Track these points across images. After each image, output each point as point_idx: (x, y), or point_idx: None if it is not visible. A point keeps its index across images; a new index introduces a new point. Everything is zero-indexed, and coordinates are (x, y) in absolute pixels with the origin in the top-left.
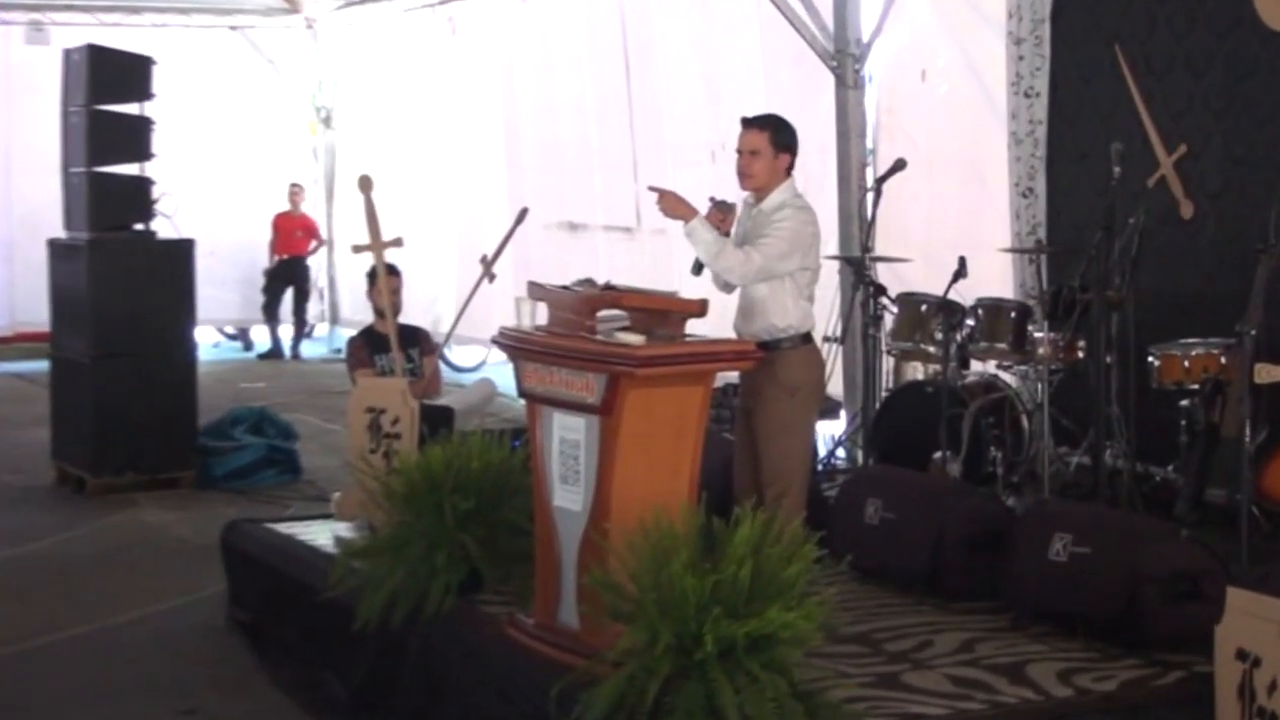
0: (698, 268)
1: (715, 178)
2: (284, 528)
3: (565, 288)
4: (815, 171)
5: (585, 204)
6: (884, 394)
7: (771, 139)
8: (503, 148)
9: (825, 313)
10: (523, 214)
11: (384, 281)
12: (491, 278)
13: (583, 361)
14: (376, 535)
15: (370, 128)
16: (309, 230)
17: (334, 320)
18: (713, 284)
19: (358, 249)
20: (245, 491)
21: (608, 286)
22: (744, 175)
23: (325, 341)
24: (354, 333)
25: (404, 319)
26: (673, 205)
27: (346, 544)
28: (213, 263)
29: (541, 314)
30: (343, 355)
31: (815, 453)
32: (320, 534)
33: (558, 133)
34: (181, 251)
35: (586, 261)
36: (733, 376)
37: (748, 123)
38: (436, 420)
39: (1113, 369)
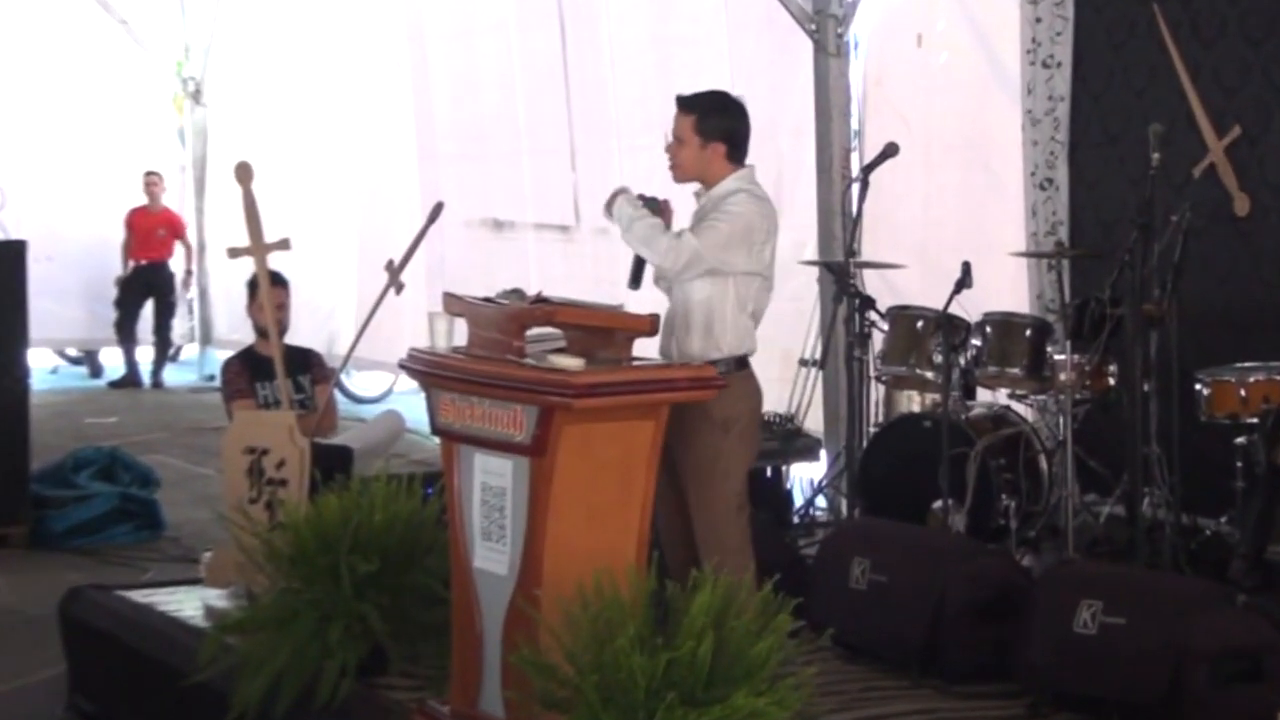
0: (635, 278)
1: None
2: (141, 596)
3: (489, 300)
4: (790, 157)
5: (513, 197)
6: (872, 429)
7: (696, 125)
8: (412, 129)
9: (802, 331)
10: (437, 210)
11: (267, 293)
12: (399, 288)
13: (509, 391)
14: (256, 605)
15: (250, 104)
16: (173, 229)
17: (205, 340)
18: (660, 291)
19: (235, 253)
20: (92, 551)
21: (539, 299)
22: (670, 166)
23: (194, 366)
24: (231, 355)
25: (292, 338)
26: (611, 199)
27: (219, 616)
28: (52, 270)
29: (460, 332)
30: (216, 383)
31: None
32: (187, 603)
33: (479, 111)
34: (10, 256)
35: (515, 268)
36: None
37: (678, 102)
38: (332, 462)
39: (1151, 399)
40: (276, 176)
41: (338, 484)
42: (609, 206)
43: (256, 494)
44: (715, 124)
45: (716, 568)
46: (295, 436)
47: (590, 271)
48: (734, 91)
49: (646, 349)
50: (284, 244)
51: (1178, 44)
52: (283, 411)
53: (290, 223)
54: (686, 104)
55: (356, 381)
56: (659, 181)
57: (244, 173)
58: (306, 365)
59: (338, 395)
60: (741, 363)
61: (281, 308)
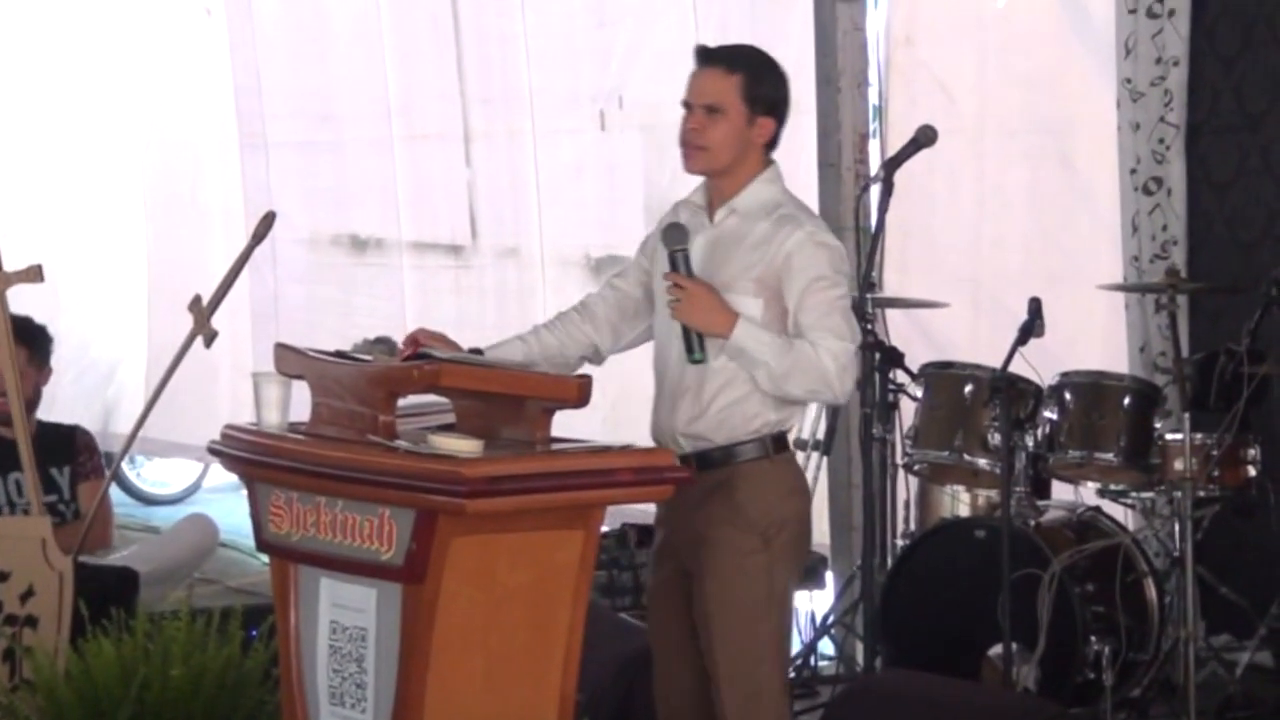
0: (698, 343)
1: (606, 155)
2: None
3: (343, 355)
4: (781, 146)
5: (380, 205)
6: (901, 542)
7: (744, 88)
8: (230, 106)
9: None
10: (266, 222)
11: (5, 349)
12: (210, 337)
13: (373, 487)
14: None
15: None
16: None
17: None
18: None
19: None
20: None
21: (418, 354)
22: (691, 147)
23: None
24: None
25: (47, 413)
26: (700, 303)
27: None
28: None
29: (302, 401)
30: None
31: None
32: None
33: (328, 79)
34: None
35: (382, 307)
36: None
37: (707, 56)
38: (106, 592)
39: None
40: (22, 176)
41: (115, 623)
42: (689, 314)
43: None
44: (768, 90)
45: (743, 701)
46: (50, 554)
47: (493, 312)
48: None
49: (576, 425)
50: (32, 274)
51: None
52: (31, 518)
53: (46, 245)
54: (727, 58)
55: (147, 473)
56: (593, 181)
57: None
58: (68, 452)
59: (117, 493)
60: (780, 443)
61: (36, 372)
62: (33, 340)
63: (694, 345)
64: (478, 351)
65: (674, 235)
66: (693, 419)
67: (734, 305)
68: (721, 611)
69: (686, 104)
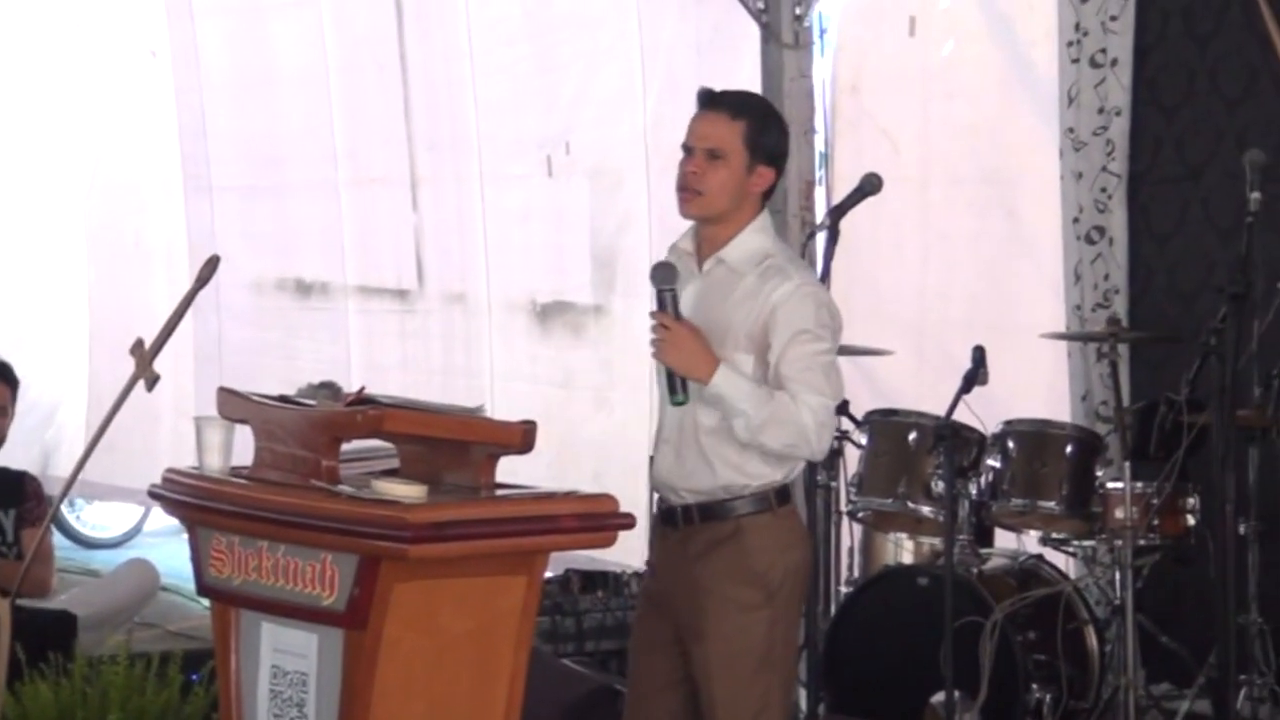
0: (680, 385)
1: (552, 201)
2: None
3: (286, 400)
4: None
5: (325, 249)
6: (845, 589)
7: (747, 135)
8: (174, 148)
9: None
10: (210, 266)
11: None
12: (152, 381)
13: (315, 532)
14: None
15: None
16: None
17: None
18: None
19: None
20: None
21: (361, 399)
22: (689, 190)
23: None
24: None
25: None
26: (682, 345)
27: None
28: None
29: (245, 445)
30: None
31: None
32: None
33: (275, 122)
34: None
35: (327, 352)
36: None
37: (711, 100)
38: (44, 635)
39: (1250, 546)
40: None
41: (53, 667)
42: (668, 356)
43: None
44: (773, 142)
45: None
46: None
47: (439, 357)
48: (645, 99)
49: (520, 471)
50: None
51: None
52: None
53: None
54: (731, 104)
55: (88, 516)
56: (540, 226)
57: None
58: (17, 496)
59: (58, 536)
60: (785, 494)
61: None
62: (15, 382)
63: (675, 386)
64: None
65: (662, 274)
66: (692, 472)
67: (727, 360)
68: (723, 668)
69: (686, 147)
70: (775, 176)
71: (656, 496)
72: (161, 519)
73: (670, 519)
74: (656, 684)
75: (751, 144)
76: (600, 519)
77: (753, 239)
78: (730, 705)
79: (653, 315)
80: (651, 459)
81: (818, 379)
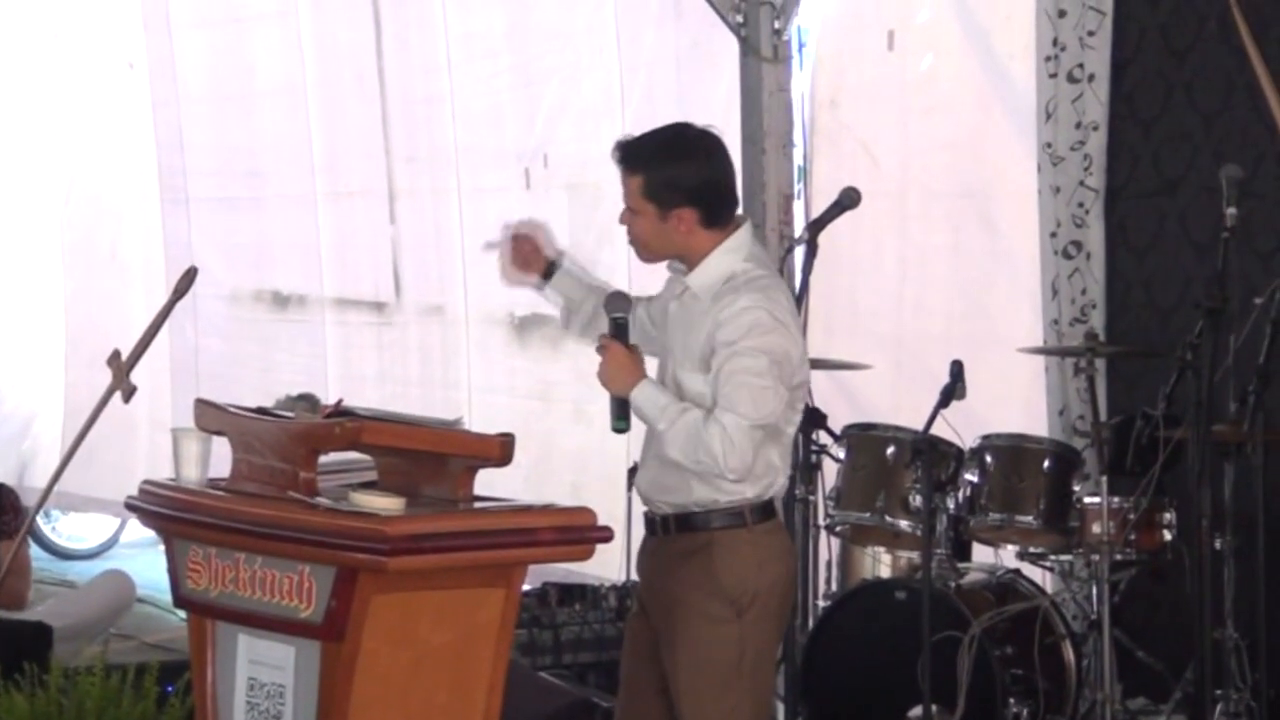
0: (623, 413)
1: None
2: None
3: (264, 411)
4: None
5: (302, 261)
6: (822, 603)
7: (646, 188)
8: (151, 159)
9: None
10: (188, 278)
11: None
12: (129, 392)
13: (293, 544)
14: None
15: None
16: None
17: None
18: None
19: None
20: None
21: (340, 409)
22: (630, 241)
23: None
24: None
25: None
26: (611, 364)
27: None
28: None
29: (222, 457)
30: None
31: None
32: None
33: (252, 134)
34: None
35: (304, 364)
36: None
37: (617, 154)
38: (21, 646)
39: (1226, 561)
40: None
41: (29, 678)
42: (606, 376)
43: None
44: (674, 182)
45: None
46: None
47: (416, 369)
48: (624, 112)
49: (498, 484)
50: None
51: (1262, 49)
52: None
53: None
54: (628, 158)
55: (63, 527)
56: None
57: None
58: None
59: (34, 548)
60: (766, 509)
61: None
62: None
63: (614, 411)
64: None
65: (614, 303)
66: (667, 485)
67: (683, 382)
68: (691, 679)
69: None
70: (702, 209)
71: (641, 505)
72: (138, 530)
73: (651, 528)
74: (644, 689)
75: (653, 194)
76: (578, 532)
77: (720, 261)
78: (699, 715)
79: (599, 338)
80: (634, 469)
81: (738, 397)
